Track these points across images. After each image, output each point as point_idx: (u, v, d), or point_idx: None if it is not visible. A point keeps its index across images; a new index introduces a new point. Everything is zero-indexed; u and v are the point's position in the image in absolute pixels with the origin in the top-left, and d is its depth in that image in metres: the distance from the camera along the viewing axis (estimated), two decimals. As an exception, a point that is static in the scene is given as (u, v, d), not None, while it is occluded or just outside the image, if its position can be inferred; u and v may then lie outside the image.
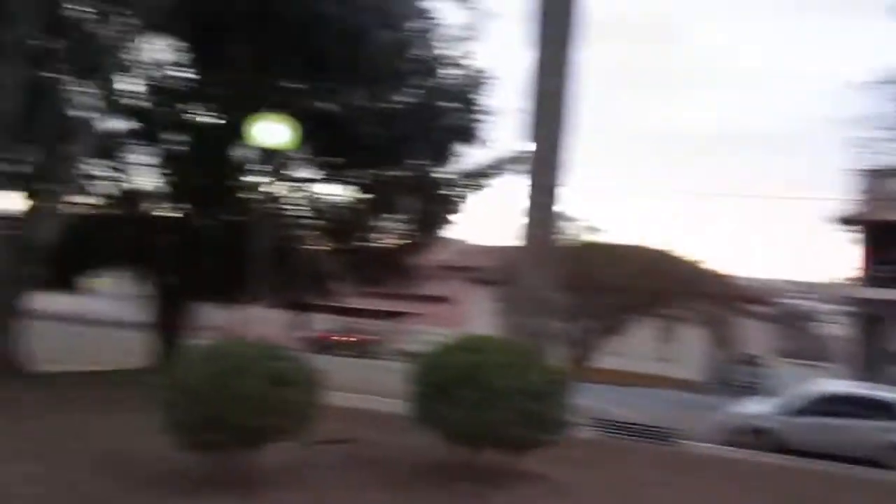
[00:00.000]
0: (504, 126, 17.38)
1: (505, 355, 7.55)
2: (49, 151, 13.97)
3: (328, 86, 16.04)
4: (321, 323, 36.11)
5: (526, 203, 11.88)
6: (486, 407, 6.89)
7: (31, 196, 13.73)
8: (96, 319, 40.35)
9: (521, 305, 11.75)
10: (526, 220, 11.85)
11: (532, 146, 12.07)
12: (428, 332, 31.36)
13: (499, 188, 18.96)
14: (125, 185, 17.35)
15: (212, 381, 6.25)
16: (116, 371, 16.29)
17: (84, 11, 15.65)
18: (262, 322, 19.08)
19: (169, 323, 17.92)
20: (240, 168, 17.03)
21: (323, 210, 18.38)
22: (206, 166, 16.66)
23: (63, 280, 17.21)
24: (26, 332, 13.63)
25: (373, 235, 18.98)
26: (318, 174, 18.10)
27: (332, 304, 24.89)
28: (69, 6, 15.71)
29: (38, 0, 12.96)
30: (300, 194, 18.11)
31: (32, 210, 13.48)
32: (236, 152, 16.54)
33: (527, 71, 11.89)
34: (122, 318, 40.42)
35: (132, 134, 17.08)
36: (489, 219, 44.56)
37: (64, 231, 13.43)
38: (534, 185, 11.93)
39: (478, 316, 32.22)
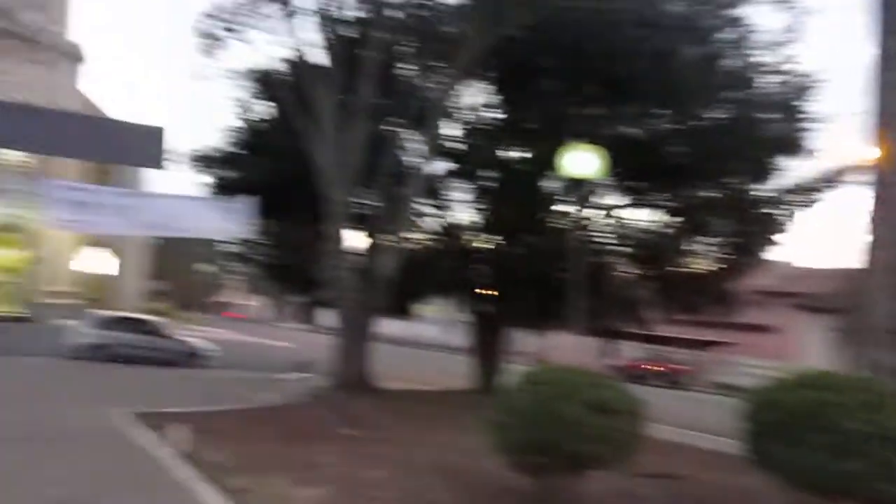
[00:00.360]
0: (836, 132, 15.48)
1: (855, 394, 6.56)
2: (386, 195, 15.88)
3: (633, 110, 15.87)
4: (630, 351, 35.42)
5: (870, 219, 10.34)
6: (839, 454, 6.04)
7: (372, 234, 15.71)
8: (424, 343, 44.71)
9: (868, 337, 10.18)
10: (871, 238, 10.30)
11: (876, 152, 10.48)
12: (750, 363, 28.85)
13: (833, 203, 16.86)
14: (447, 221, 19.03)
15: (537, 405, 6.45)
16: (446, 392, 17.81)
17: (409, 69, 17.72)
18: (573, 348, 19.34)
19: (487, 348, 19.08)
20: (549, 198, 17.57)
21: (631, 236, 18.08)
22: (517, 198, 17.51)
23: (398, 307, 19.32)
24: (372, 353, 15.55)
25: (685, 260, 18.14)
26: (626, 199, 17.90)
27: (641, 331, 24.23)
28: (398, 66, 17.93)
29: (375, 65, 14.93)
30: (608, 221, 18.06)
31: (375, 246, 15.42)
32: (545, 183, 17.12)
33: (869, 66, 10.42)
34: (447, 342, 44.32)
35: (451, 174, 18.76)
36: (820, 238, 39.69)
37: (400, 264, 15.12)
38: (880, 199, 10.32)
39: (808, 347, 28.81)
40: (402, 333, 40.39)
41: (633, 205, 17.97)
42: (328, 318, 53.60)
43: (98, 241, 39.84)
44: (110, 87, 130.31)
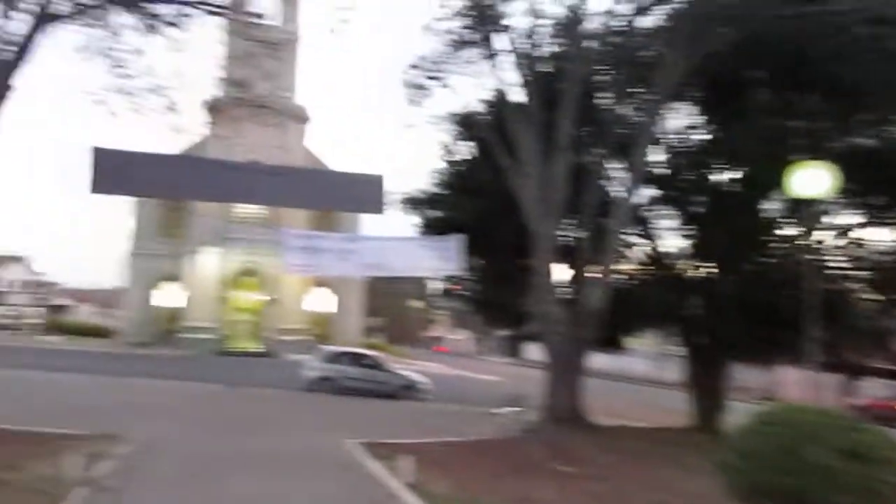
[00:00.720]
0: None
1: None
2: (592, 226, 15.69)
3: (866, 118, 14.30)
4: (872, 388, 31.35)
5: None
6: None
7: (579, 266, 15.56)
8: (633, 377, 43.11)
9: None
10: None
11: None
12: None
13: None
14: (655, 250, 18.33)
15: (777, 448, 5.92)
16: (661, 428, 16.97)
17: (609, 98, 17.50)
18: (804, 385, 17.56)
19: (704, 383, 17.91)
20: (768, 221, 16.30)
21: (870, 258, 16.15)
22: (730, 223, 16.43)
23: (607, 340, 18.83)
24: (583, 387, 15.28)
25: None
26: (861, 218, 16.07)
27: (888, 366, 21.42)
28: (597, 96, 17.80)
29: (573, 97, 14.94)
30: (841, 242, 16.31)
31: (582, 279, 15.25)
32: (763, 205, 15.93)
33: None
34: (657, 376, 42.40)
35: (657, 200, 18.09)
36: None
37: (608, 296, 14.79)
38: None
39: None
40: (610, 367, 39.28)
41: (871, 223, 16.07)
42: (534, 351, 53.78)
43: (321, 282, 43.57)
44: (330, 141, 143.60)
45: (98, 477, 8.32)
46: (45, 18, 14.33)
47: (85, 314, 76.41)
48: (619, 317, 17.14)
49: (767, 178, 13.62)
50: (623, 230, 15.90)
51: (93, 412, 13.83)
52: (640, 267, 18.74)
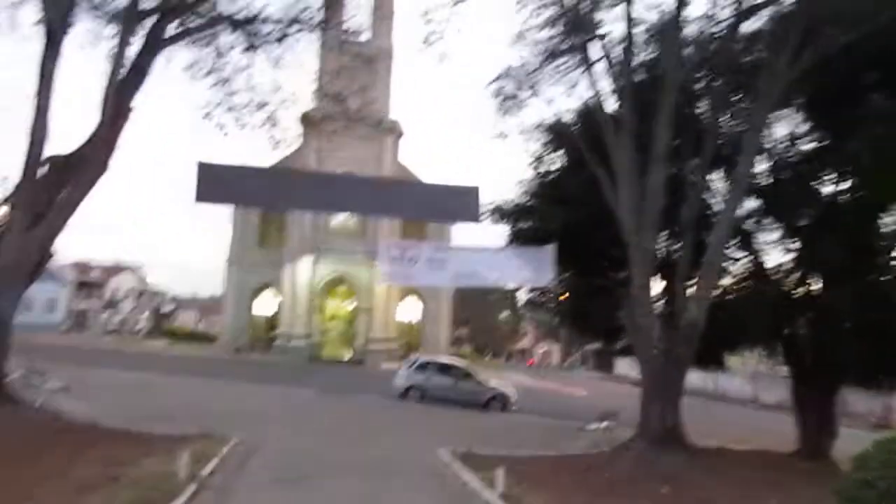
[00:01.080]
0: None
1: None
2: (690, 239, 15.14)
3: None
4: None
5: None
6: None
7: (677, 281, 15.03)
8: (729, 397, 41.31)
9: None
10: None
11: None
12: None
13: None
14: (757, 265, 17.51)
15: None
16: (763, 452, 16.16)
17: (708, 107, 16.89)
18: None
19: (810, 406, 16.91)
20: (884, 234, 15.27)
21: None
22: (842, 236, 15.47)
23: (705, 358, 18.08)
24: (680, 406, 14.72)
25: None
26: None
27: None
28: (696, 105, 17.23)
29: (670, 107, 14.49)
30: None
31: (680, 294, 14.71)
32: (879, 217, 14.95)
33: None
34: (756, 397, 40.49)
35: (759, 213, 17.30)
36: None
37: (707, 312, 14.20)
38: None
39: None
40: (704, 386, 37.82)
41: None
42: (624, 366, 52.46)
43: (410, 292, 44.11)
44: (423, 155, 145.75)
45: (205, 475, 8.67)
46: (158, 42, 15.25)
47: (188, 321, 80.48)
48: (718, 334, 16.44)
49: (885, 188, 12.75)
50: (724, 244, 15.23)
51: (195, 414, 14.46)
52: (740, 282, 17.95)
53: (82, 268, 66.27)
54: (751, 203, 17.17)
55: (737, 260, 17.71)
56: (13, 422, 11.02)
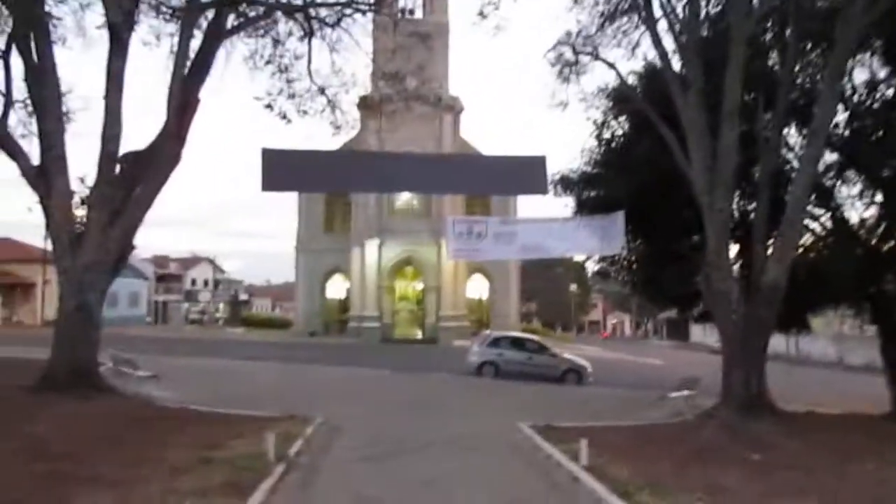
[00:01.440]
0: None
1: None
2: (767, 198, 14.55)
3: None
4: None
5: None
6: None
7: (755, 242, 14.48)
8: (812, 360, 39.91)
9: None
10: None
11: None
12: None
13: None
14: (838, 220, 16.72)
15: None
16: (853, 416, 15.56)
17: (779, 57, 16.11)
18: None
19: (899, 366, 16.13)
20: None
21: None
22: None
23: (787, 321, 17.45)
24: (763, 370, 14.26)
25: None
26: None
27: None
28: (767, 57, 16.47)
29: (740, 60, 13.86)
30: None
31: (760, 254, 14.18)
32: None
33: None
34: (841, 359, 38.98)
35: (838, 166, 16.50)
36: None
37: (788, 273, 13.66)
38: None
39: None
40: (784, 349, 36.56)
41: None
42: (699, 333, 51.23)
43: (477, 268, 44.12)
44: (484, 130, 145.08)
45: (293, 455, 8.90)
46: (218, 34, 15.54)
47: (263, 307, 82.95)
48: (800, 295, 15.81)
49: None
50: (805, 200, 14.56)
51: (277, 396, 14.89)
52: (821, 239, 17.18)
53: (160, 261, 68.99)
54: (829, 156, 16.38)
55: (815, 218, 16.96)
56: (108, 409, 11.57)
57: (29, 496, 6.40)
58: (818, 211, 17.00)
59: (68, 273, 13.68)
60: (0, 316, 42.58)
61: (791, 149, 16.87)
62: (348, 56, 20.63)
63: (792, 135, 16.96)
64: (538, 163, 10.93)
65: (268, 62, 16.86)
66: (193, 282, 74.09)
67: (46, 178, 13.88)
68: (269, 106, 16.62)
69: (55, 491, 6.58)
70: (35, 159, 14.19)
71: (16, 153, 14.26)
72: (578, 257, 28.82)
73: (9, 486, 6.69)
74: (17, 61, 14.68)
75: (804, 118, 15.86)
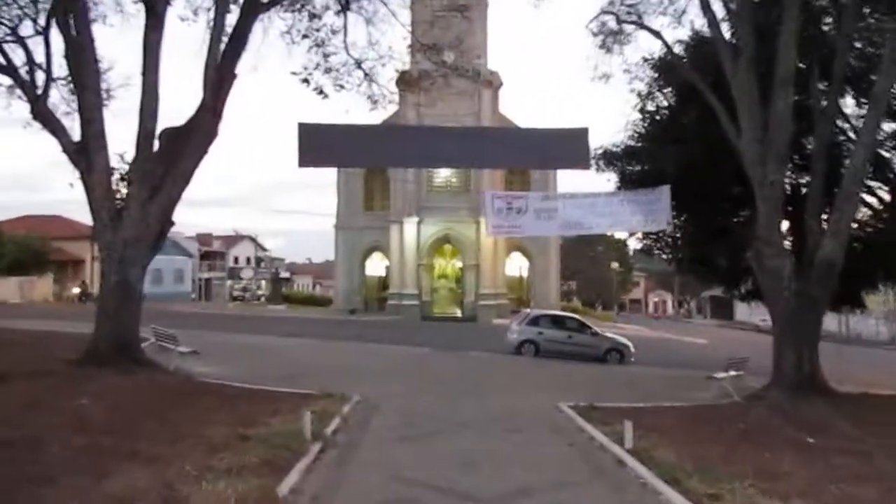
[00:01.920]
0: None
1: None
2: (822, 170, 13.90)
3: None
4: None
5: None
6: None
7: (809, 216, 13.86)
8: (864, 339, 38.67)
9: None
10: None
11: None
12: None
13: None
14: (896, 194, 15.96)
15: None
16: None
17: (834, 22, 15.30)
18: None
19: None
20: None
21: None
22: None
23: (841, 298, 16.79)
24: (817, 350, 13.71)
25: None
26: None
27: None
28: (823, 22, 15.66)
29: (793, 26, 13.17)
30: None
31: (814, 229, 13.57)
32: None
33: None
34: (888, 338, 37.71)
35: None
36: None
37: (843, 249, 13.06)
38: None
39: None
40: (834, 328, 35.46)
41: None
42: (746, 312, 50.07)
43: (516, 246, 43.66)
44: (524, 104, 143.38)
45: (329, 434, 8.80)
46: (254, 7, 15.36)
47: (304, 285, 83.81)
48: (854, 271, 15.15)
49: None
50: (863, 171, 13.85)
51: (316, 373, 14.85)
52: (879, 213, 16.41)
53: (204, 239, 70.05)
54: (887, 125, 15.58)
55: (872, 191, 16.19)
56: (149, 384, 11.66)
57: (67, 471, 6.38)
58: (874, 184, 16.25)
59: (109, 248, 13.80)
60: (52, 292, 43.71)
61: (847, 119, 16.08)
62: (385, 28, 20.23)
63: (847, 104, 16.19)
64: (580, 134, 10.50)
65: (304, 36, 16.65)
66: (236, 259, 75.12)
67: (87, 154, 13.98)
68: (305, 80, 16.43)
69: (93, 466, 6.56)
70: (76, 136, 14.30)
71: (57, 130, 14.39)
72: (620, 234, 28.25)
73: (48, 461, 6.70)
74: (57, 39, 14.79)
75: (862, 85, 15.09)
